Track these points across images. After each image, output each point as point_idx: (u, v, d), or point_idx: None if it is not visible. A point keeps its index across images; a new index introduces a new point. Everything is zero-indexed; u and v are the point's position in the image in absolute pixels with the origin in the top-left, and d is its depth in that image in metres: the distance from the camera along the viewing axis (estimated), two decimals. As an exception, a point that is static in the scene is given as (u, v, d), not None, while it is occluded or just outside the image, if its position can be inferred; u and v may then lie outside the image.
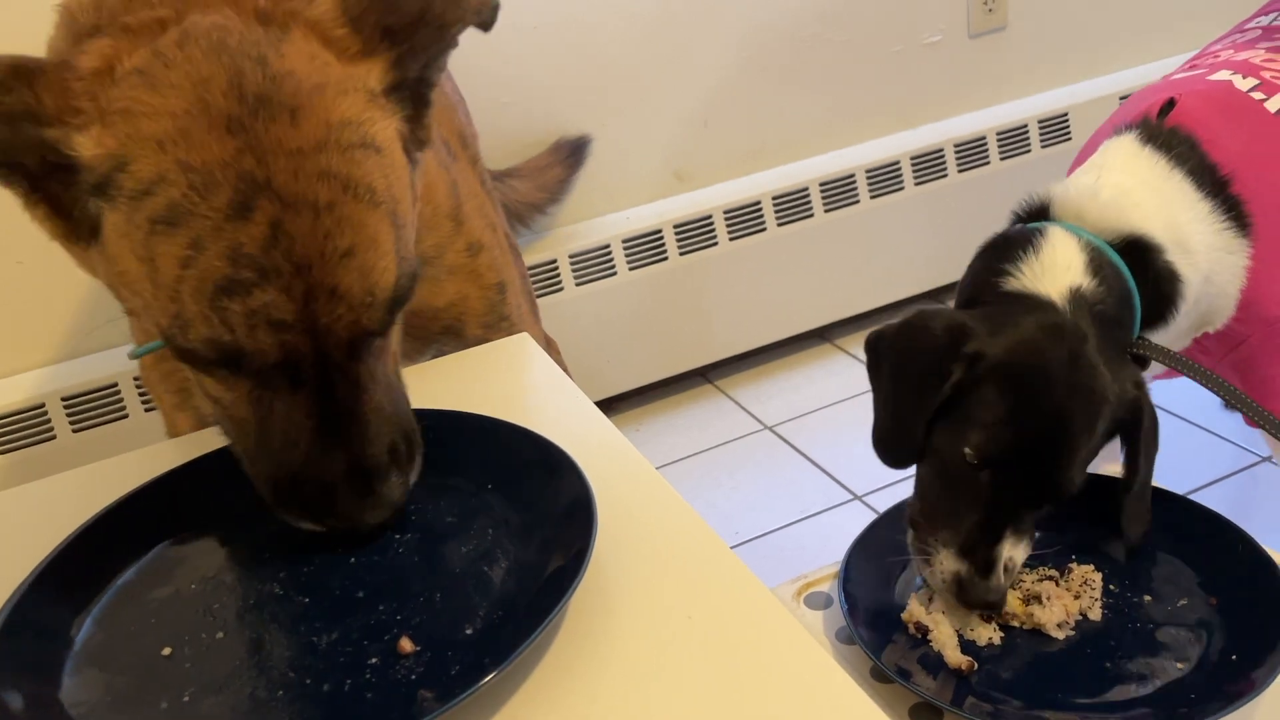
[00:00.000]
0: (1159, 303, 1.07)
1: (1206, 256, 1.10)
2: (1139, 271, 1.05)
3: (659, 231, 2.08)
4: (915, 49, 2.28)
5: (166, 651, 0.63)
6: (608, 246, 2.05)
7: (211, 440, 0.83)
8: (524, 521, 0.70)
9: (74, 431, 1.74)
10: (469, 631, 0.62)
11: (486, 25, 0.79)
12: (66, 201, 0.67)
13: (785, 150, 2.23)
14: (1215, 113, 1.15)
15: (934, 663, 0.91)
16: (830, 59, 2.21)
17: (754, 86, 2.17)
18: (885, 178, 2.22)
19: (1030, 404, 0.92)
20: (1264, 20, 1.37)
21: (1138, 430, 0.96)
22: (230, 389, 0.70)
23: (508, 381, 0.93)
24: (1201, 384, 1.05)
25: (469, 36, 0.80)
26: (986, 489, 0.93)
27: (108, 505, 0.73)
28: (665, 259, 2.09)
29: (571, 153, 2.01)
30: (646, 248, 2.08)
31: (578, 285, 2.04)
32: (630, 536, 0.69)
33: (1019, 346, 0.94)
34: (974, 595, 0.93)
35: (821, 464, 1.92)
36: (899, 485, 1.79)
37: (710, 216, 2.11)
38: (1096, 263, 1.02)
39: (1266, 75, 1.20)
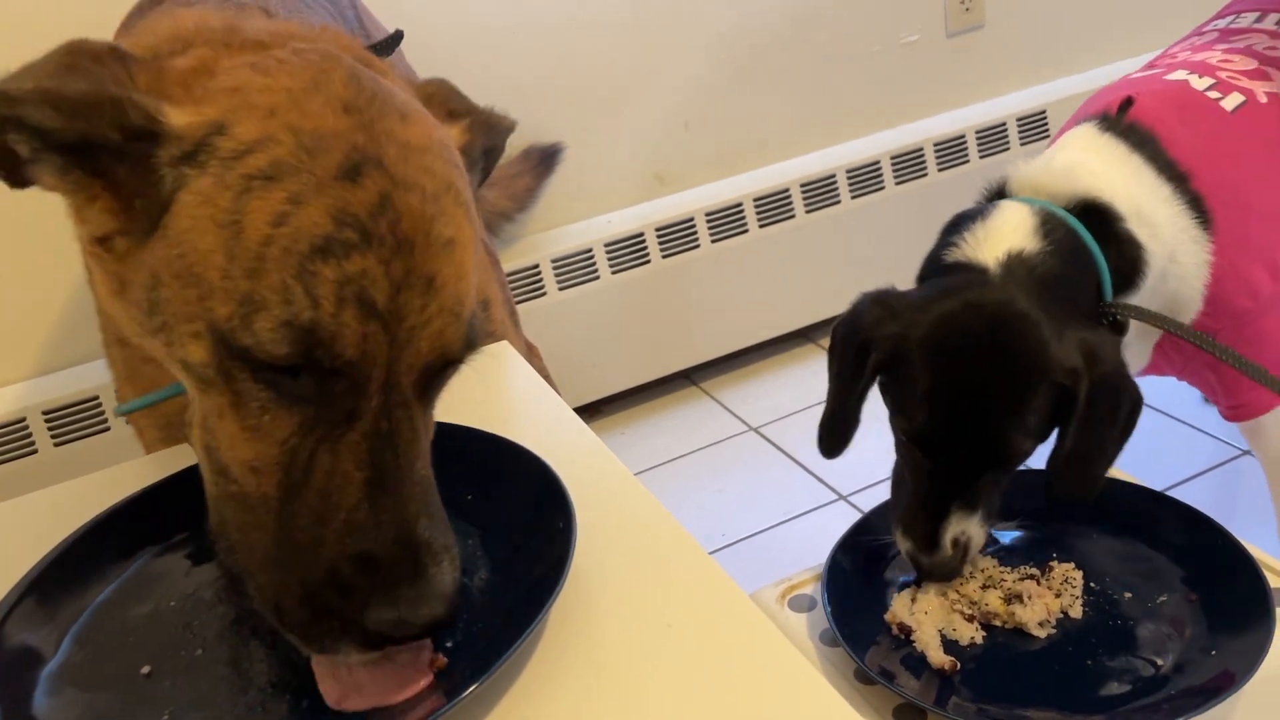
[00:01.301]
0: (1123, 268, 1.07)
1: (1170, 233, 1.10)
2: (1100, 237, 1.05)
3: (641, 235, 2.08)
4: (893, 49, 2.29)
5: (146, 670, 0.63)
6: (590, 250, 2.05)
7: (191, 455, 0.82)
8: (503, 532, 0.70)
9: (55, 445, 1.73)
10: (449, 644, 0.62)
11: (501, 148, 0.79)
12: (131, 186, 0.61)
13: (766, 151, 2.24)
14: (1172, 111, 1.16)
15: (917, 664, 0.91)
16: (809, 60, 2.22)
17: (734, 88, 2.17)
18: (866, 177, 2.22)
19: (947, 376, 0.93)
20: (1221, 23, 1.39)
21: (1075, 395, 0.94)
22: (266, 431, 0.59)
23: (488, 390, 0.93)
24: (1184, 338, 1.05)
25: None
26: (925, 465, 0.96)
27: (87, 522, 0.73)
28: (648, 262, 2.10)
29: (541, 160, 2.00)
30: (629, 251, 2.08)
31: (560, 290, 2.04)
32: (610, 545, 0.69)
33: (935, 320, 0.95)
34: (922, 569, 0.96)
35: (807, 465, 1.93)
36: (884, 485, 1.80)
37: (692, 219, 2.11)
38: (1047, 226, 1.02)
39: (1222, 75, 1.21)
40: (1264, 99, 1.19)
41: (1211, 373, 1.20)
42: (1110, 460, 0.98)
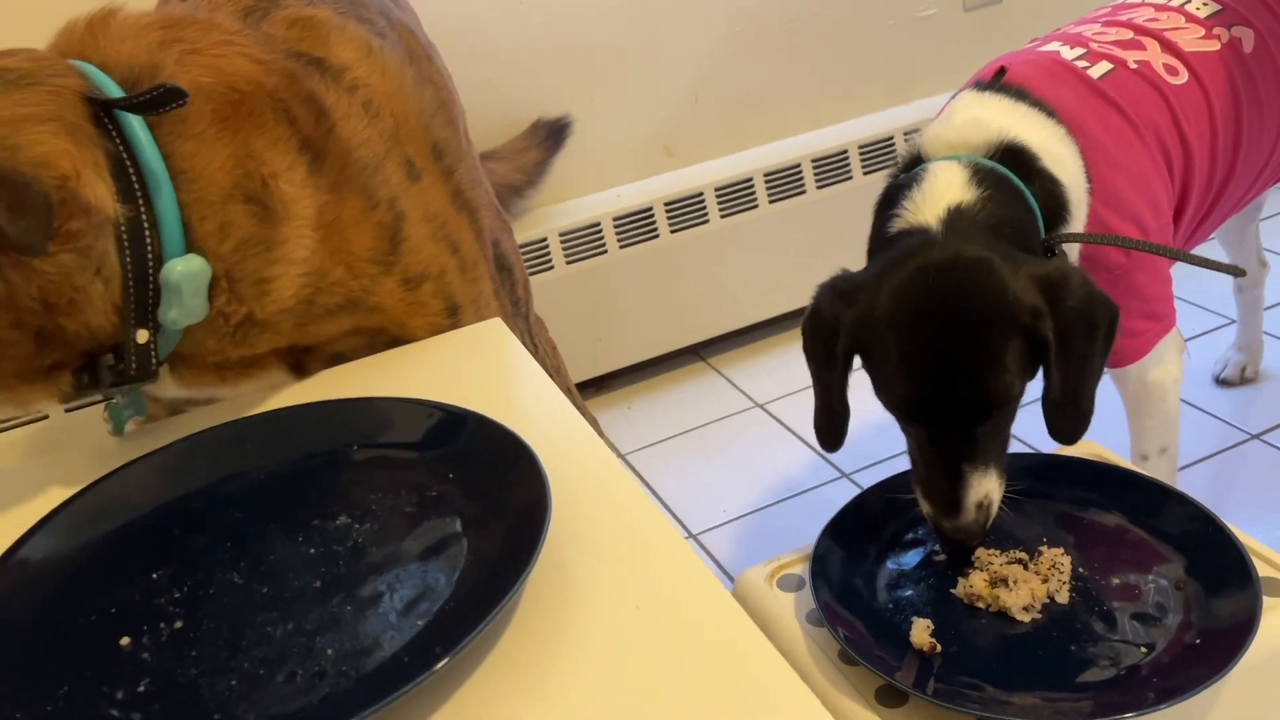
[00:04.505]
0: (1050, 204, 1.08)
1: (1074, 166, 1.12)
2: (1024, 177, 1.07)
3: (649, 209, 2.07)
4: (910, 22, 2.26)
5: (125, 641, 0.65)
6: (598, 224, 2.05)
7: (162, 435, 0.84)
8: (482, 512, 0.71)
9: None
10: (420, 623, 0.63)
11: None
12: None
13: (777, 126, 2.22)
14: (1042, 77, 1.17)
15: (901, 645, 0.92)
16: (823, 33, 2.20)
17: (745, 62, 2.16)
18: (880, 153, 2.20)
19: (915, 342, 0.94)
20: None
21: (1044, 333, 0.94)
22: None
23: (476, 367, 0.93)
24: (1125, 246, 1.08)
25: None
26: (924, 434, 0.97)
27: (66, 499, 0.74)
28: (656, 236, 2.09)
29: (550, 134, 2.00)
30: (637, 225, 2.08)
31: (568, 263, 2.04)
32: (587, 526, 0.70)
33: (892, 292, 0.96)
34: (945, 534, 0.97)
35: (811, 441, 1.93)
36: (886, 464, 1.80)
37: (701, 194, 2.10)
38: (979, 175, 1.04)
39: (1094, 46, 1.23)
40: (1134, 66, 1.20)
41: None
42: (1092, 389, 0.98)
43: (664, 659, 0.58)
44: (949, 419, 0.96)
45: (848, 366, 1.01)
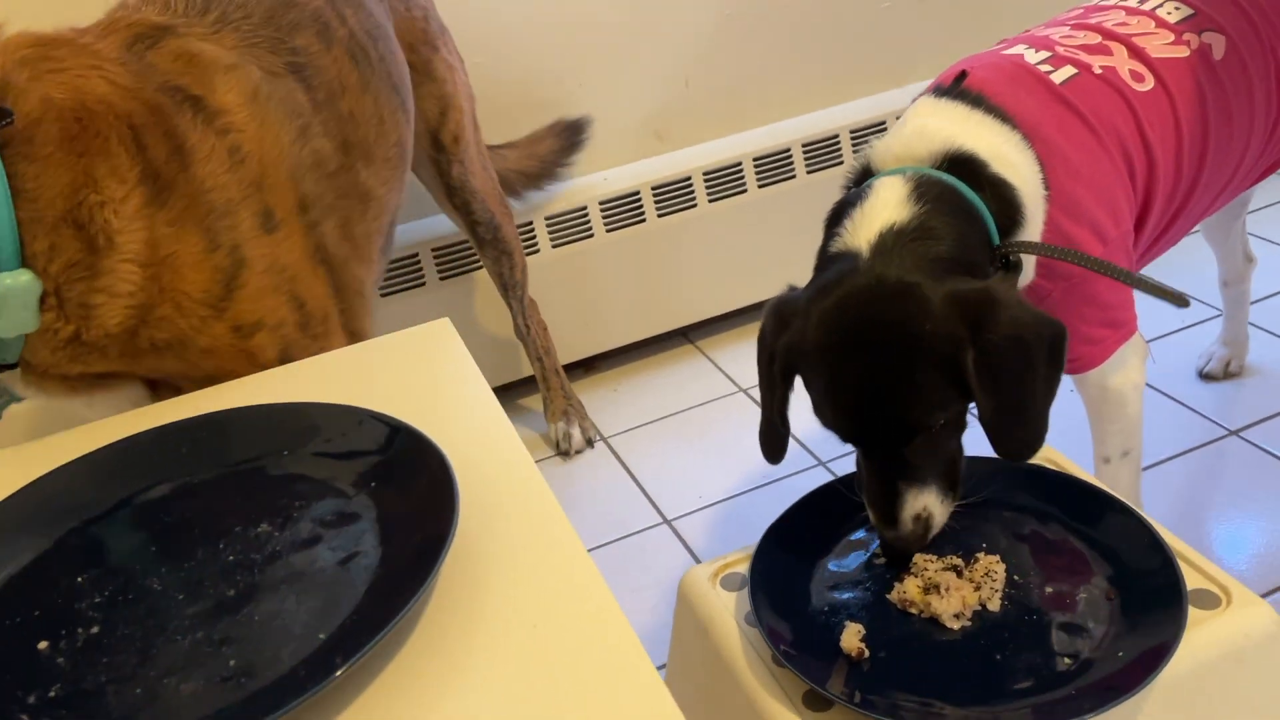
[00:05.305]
0: (1003, 211, 1.07)
1: (1029, 172, 1.11)
2: (974, 185, 1.06)
3: (637, 193, 2.07)
4: (905, 3, 2.23)
5: (43, 645, 0.67)
6: (584, 209, 2.05)
7: (97, 437, 0.85)
8: (397, 524, 0.72)
9: None
10: (322, 636, 0.64)
11: None
12: None
13: (768, 109, 2.21)
14: (1003, 81, 1.16)
15: (832, 650, 0.93)
16: (817, 14, 2.18)
17: (737, 43, 2.14)
18: (869, 138, 2.18)
19: (836, 371, 0.96)
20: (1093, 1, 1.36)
21: (962, 360, 0.93)
22: None
23: (415, 367, 0.94)
24: (1082, 265, 1.06)
25: None
26: (860, 452, 1.00)
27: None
28: (643, 221, 2.09)
29: (567, 129, 2.02)
30: (624, 209, 2.08)
31: (554, 247, 2.05)
32: (496, 539, 0.71)
33: (816, 321, 0.97)
34: (885, 543, 1.00)
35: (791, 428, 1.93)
36: (864, 452, 1.80)
37: (689, 178, 2.10)
38: (920, 189, 1.03)
39: (1060, 50, 1.21)
40: (1099, 71, 1.18)
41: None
42: (1041, 408, 0.97)
43: (551, 682, 0.60)
44: (877, 442, 0.97)
45: (787, 386, 1.03)
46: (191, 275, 0.94)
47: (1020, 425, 0.96)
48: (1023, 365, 0.94)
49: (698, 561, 1.67)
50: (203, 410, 0.86)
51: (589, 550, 1.73)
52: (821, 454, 1.86)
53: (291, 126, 1.01)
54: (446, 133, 1.67)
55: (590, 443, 2.00)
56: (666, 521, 1.77)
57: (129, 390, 0.96)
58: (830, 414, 0.98)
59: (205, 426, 0.83)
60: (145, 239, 0.90)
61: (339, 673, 0.59)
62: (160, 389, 0.97)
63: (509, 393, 2.18)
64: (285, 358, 1.01)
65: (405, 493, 0.74)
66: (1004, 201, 1.08)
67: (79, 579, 0.72)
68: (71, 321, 0.90)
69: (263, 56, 1.03)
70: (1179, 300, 1.03)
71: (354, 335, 1.13)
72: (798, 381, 1.03)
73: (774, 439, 1.08)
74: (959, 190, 1.05)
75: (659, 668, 1.57)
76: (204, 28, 1.00)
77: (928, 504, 0.98)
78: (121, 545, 0.75)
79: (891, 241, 0.99)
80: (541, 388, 2.03)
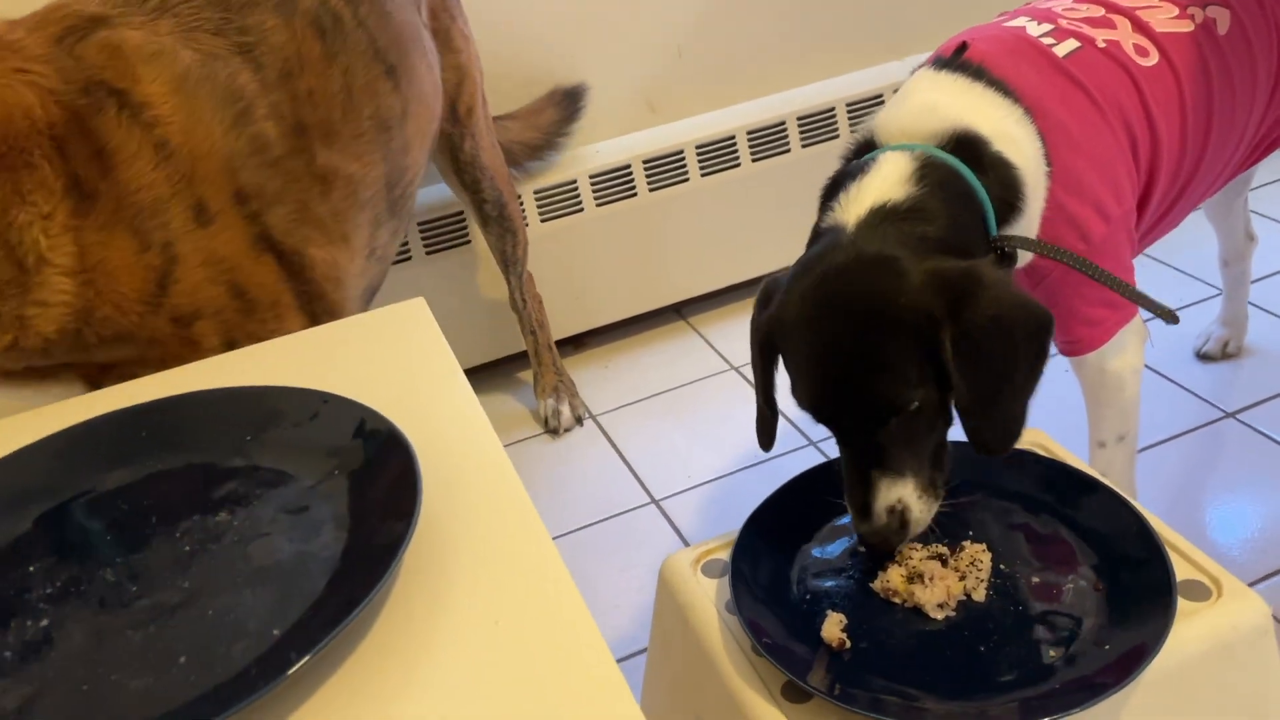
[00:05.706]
0: (1003, 194, 1.05)
1: (1031, 149, 1.08)
2: (975, 166, 1.03)
3: (628, 167, 2.04)
4: (904, -25, 2.19)
5: (-13, 642, 0.65)
6: (574, 182, 2.02)
7: (41, 424, 0.83)
8: (358, 513, 0.70)
9: None
10: (276, 632, 0.62)
11: None
12: None
13: (763, 81, 2.17)
14: (1004, 54, 1.12)
15: (814, 640, 0.91)
16: (814, -15, 2.13)
17: (731, 13, 2.10)
18: (866, 112, 2.15)
19: (811, 348, 0.94)
20: None
21: (940, 338, 0.90)
22: None
23: (385, 348, 0.92)
24: (1072, 265, 1.04)
25: None
26: (837, 437, 0.97)
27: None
28: (634, 195, 2.06)
29: (565, 97, 1.99)
30: (615, 183, 2.04)
31: (543, 222, 2.02)
32: (459, 528, 0.69)
33: (797, 298, 0.95)
34: (861, 536, 0.97)
35: (782, 407, 1.91)
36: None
37: (682, 151, 2.06)
38: (923, 170, 1.00)
39: (1062, 22, 1.17)
40: (1103, 45, 1.15)
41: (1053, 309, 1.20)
42: (1020, 398, 0.94)
43: (512, 680, 0.58)
44: (850, 425, 0.95)
45: (770, 365, 1.01)
46: (125, 277, 0.93)
47: (997, 414, 0.93)
48: (1003, 350, 0.91)
49: (686, 543, 1.66)
50: (163, 394, 0.83)
51: (576, 530, 1.72)
52: (813, 434, 1.83)
53: (227, 113, 0.98)
54: (461, 104, 1.64)
55: (580, 420, 1.98)
56: (654, 501, 1.75)
57: (65, 385, 0.94)
58: (803, 391, 0.96)
59: (164, 410, 0.81)
60: (74, 250, 0.88)
61: (291, 670, 0.57)
62: (109, 375, 0.95)
63: (504, 366, 2.15)
64: (230, 344, 0.99)
65: (368, 481, 0.72)
66: (1005, 183, 1.05)
67: (30, 569, 0.70)
68: (9, 332, 0.89)
69: (203, 40, 1.00)
70: (1169, 317, 1.01)
71: (329, 314, 1.10)
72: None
73: (762, 424, 1.07)
74: (961, 175, 1.02)
75: (641, 651, 1.55)
76: (143, 15, 0.96)
77: (903, 496, 0.94)
78: (78, 533, 0.73)
79: (880, 218, 0.96)
80: (533, 363, 2.01)
